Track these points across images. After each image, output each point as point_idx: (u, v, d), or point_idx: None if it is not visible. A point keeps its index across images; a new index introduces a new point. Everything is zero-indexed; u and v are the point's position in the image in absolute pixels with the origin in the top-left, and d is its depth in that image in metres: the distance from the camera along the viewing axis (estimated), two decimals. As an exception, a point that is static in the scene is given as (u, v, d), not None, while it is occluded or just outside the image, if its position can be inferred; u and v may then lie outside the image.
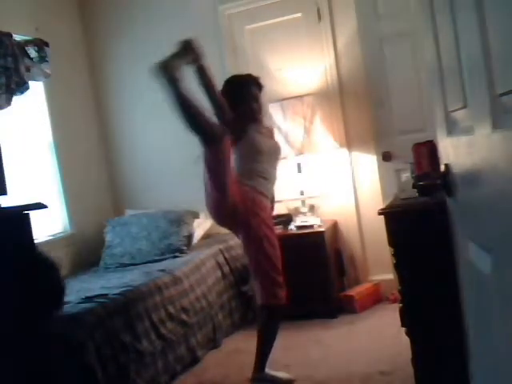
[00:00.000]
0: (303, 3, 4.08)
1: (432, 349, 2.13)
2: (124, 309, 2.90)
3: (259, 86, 3.03)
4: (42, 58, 3.83)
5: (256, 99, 2.98)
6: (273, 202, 3.10)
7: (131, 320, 2.90)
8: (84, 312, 2.72)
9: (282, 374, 2.94)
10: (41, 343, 2.05)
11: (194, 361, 3.29)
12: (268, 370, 2.91)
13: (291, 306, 3.73)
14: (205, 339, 3.45)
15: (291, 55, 4.13)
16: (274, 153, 3.03)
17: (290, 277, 3.79)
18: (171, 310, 3.21)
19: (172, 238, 3.97)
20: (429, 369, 2.15)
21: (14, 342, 1.94)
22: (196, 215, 4.17)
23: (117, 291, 3.03)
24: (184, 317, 3.29)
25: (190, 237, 4.04)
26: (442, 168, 1.51)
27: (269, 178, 2.95)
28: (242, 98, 2.95)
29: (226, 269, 3.91)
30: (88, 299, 2.93)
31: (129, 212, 4.49)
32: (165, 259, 3.80)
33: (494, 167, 0.93)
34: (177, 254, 3.85)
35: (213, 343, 3.52)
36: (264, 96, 3.09)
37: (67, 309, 2.77)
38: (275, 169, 3.03)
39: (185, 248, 3.93)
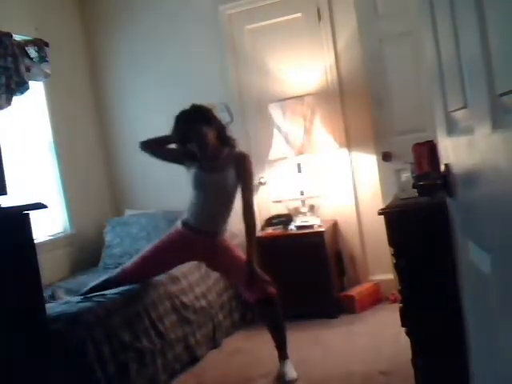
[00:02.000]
0: (303, 3, 4.08)
1: (432, 349, 2.13)
2: (123, 308, 2.90)
3: (208, 120, 2.97)
4: (42, 58, 3.83)
5: (201, 136, 2.92)
6: (209, 233, 3.08)
7: (130, 319, 2.90)
8: (83, 311, 2.72)
9: (289, 373, 2.96)
10: (40, 342, 2.05)
11: (194, 360, 3.29)
12: (280, 364, 3.00)
13: (291, 306, 3.74)
14: (205, 339, 3.45)
15: (291, 55, 4.13)
16: (216, 188, 3.02)
17: (289, 277, 3.81)
18: (170, 309, 3.21)
19: (172, 238, 3.96)
20: (429, 369, 2.15)
21: (13, 342, 1.94)
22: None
23: (115, 291, 3.03)
24: (184, 315, 3.29)
25: (189, 237, 4.04)
26: (442, 168, 1.51)
27: (201, 212, 3.04)
28: (187, 138, 2.96)
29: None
30: (87, 299, 2.93)
31: (128, 212, 4.50)
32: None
33: (494, 167, 0.93)
34: (177, 254, 3.84)
35: (213, 343, 3.52)
36: (216, 127, 3.00)
37: (67, 308, 2.78)
38: (219, 202, 3.04)
39: (185, 248, 3.92)
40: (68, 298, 3.14)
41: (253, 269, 3.02)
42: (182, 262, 3.29)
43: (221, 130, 3.04)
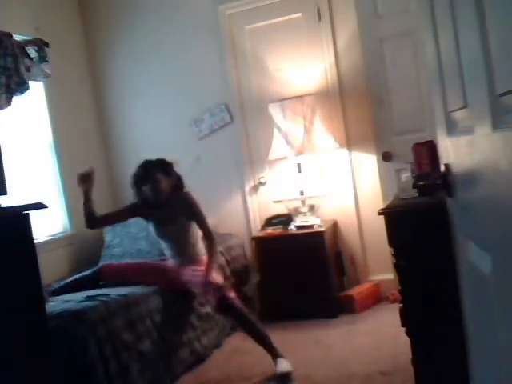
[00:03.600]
0: (303, 3, 4.08)
1: (432, 349, 2.13)
2: (126, 308, 2.90)
3: (167, 171, 3.26)
4: (42, 58, 3.83)
5: (155, 181, 3.21)
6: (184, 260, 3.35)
7: (133, 320, 2.89)
8: (86, 309, 2.71)
9: (280, 368, 2.97)
10: (42, 340, 2.05)
11: (196, 361, 3.28)
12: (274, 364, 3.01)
13: (291, 306, 3.74)
14: (210, 344, 3.44)
15: (291, 55, 4.13)
16: (174, 237, 3.32)
17: (289, 277, 3.81)
18: (171, 308, 3.21)
19: (172, 238, 3.96)
20: (429, 369, 2.15)
21: (14, 340, 1.94)
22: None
23: (119, 292, 3.02)
24: (188, 321, 3.28)
25: (189, 237, 4.04)
26: (442, 168, 1.51)
27: (167, 247, 3.39)
28: (142, 180, 3.26)
29: (226, 269, 3.90)
30: (90, 298, 2.93)
31: (129, 212, 4.48)
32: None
33: (494, 167, 0.93)
34: (177, 254, 3.84)
35: (214, 343, 3.51)
36: (172, 177, 3.28)
37: (69, 306, 2.78)
38: (181, 244, 3.33)
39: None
40: (51, 300, 3.13)
41: (208, 280, 3.15)
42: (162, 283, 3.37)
43: (178, 182, 3.31)
